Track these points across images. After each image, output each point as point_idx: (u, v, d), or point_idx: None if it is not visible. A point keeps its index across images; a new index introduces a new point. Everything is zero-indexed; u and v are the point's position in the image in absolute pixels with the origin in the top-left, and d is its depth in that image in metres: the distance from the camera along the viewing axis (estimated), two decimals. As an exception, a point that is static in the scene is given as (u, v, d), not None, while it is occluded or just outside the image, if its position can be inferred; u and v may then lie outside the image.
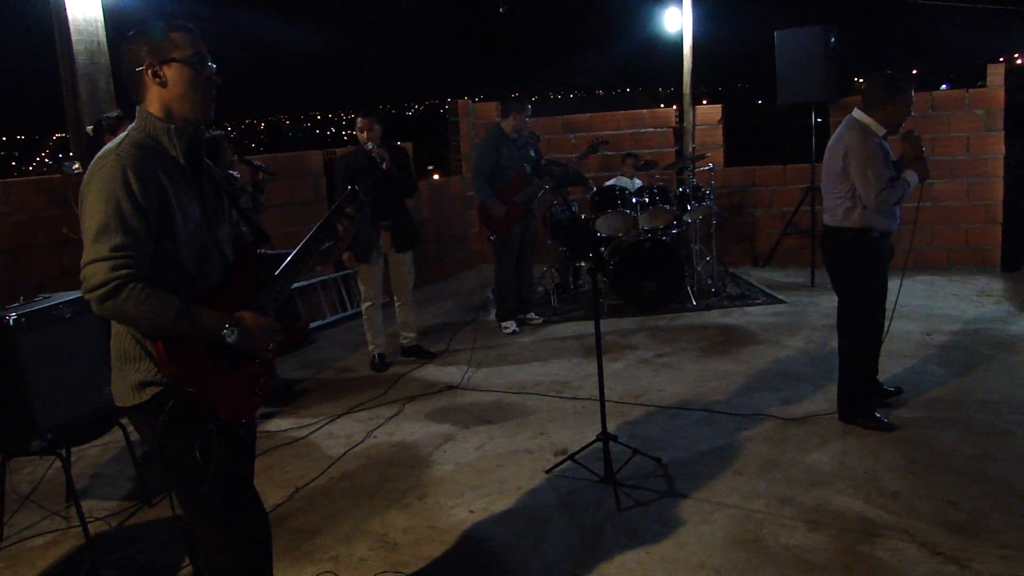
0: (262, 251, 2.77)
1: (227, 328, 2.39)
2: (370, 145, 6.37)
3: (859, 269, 4.79)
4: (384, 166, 6.36)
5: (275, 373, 6.50)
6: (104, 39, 6.28)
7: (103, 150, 2.38)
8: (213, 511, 2.59)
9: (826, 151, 4.86)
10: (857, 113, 4.73)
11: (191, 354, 2.39)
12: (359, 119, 6.47)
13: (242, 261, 2.66)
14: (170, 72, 2.44)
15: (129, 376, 2.46)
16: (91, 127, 5.11)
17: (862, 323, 4.86)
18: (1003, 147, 9.23)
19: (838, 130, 4.80)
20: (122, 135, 2.45)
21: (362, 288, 6.79)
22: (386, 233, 6.63)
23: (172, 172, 2.43)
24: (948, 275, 9.07)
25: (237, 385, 2.53)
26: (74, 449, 4.57)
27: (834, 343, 5.91)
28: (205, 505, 2.58)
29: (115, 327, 2.47)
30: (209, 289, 2.50)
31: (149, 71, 2.44)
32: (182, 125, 2.49)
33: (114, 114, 5.11)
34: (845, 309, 4.93)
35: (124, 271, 2.23)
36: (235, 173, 6.25)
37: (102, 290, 2.23)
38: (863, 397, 4.91)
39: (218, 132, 6.63)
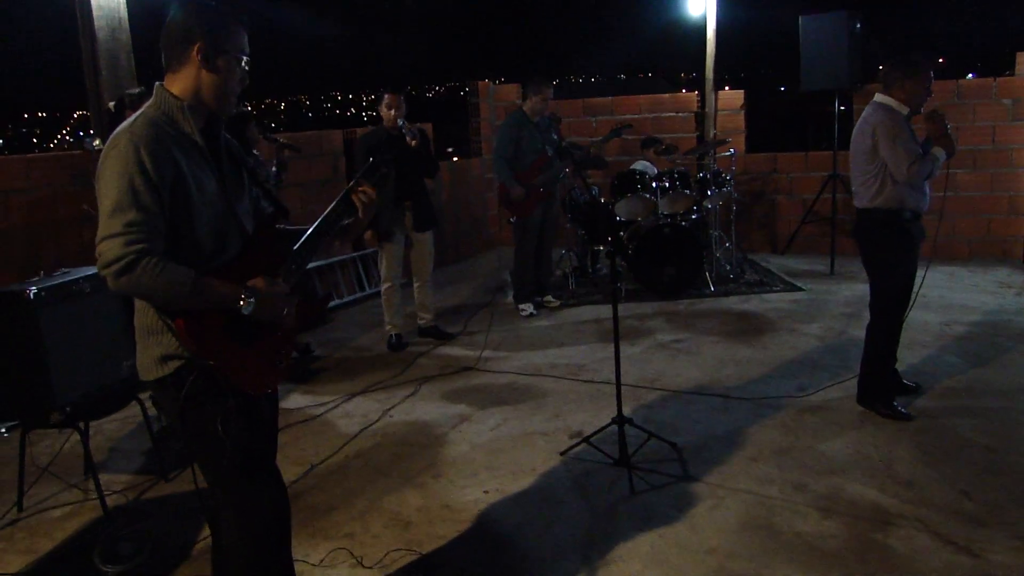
0: (281, 226, 2.77)
1: (243, 299, 2.40)
2: (400, 122, 6.38)
3: (889, 252, 4.78)
4: (413, 142, 6.37)
5: (311, 350, 6.60)
6: (125, 16, 6.30)
7: (117, 129, 2.39)
8: (233, 485, 2.62)
9: (853, 136, 4.85)
10: (879, 96, 4.76)
11: (211, 328, 2.41)
12: (387, 95, 6.45)
13: (261, 236, 2.67)
14: (222, 63, 2.46)
15: (152, 350, 2.48)
16: (113, 103, 5.14)
17: (888, 307, 4.84)
18: (1029, 137, 9.13)
19: (864, 113, 4.80)
20: (137, 113, 2.45)
21: (382, 268, 6.78)
22: (407, 213, 6.64)
23: (187, 148, 2.43)
24: (969, 266, 9.00)
25: (258, 358, 2.55)
26: (92, 423, 4.62)
27: (852, 331, 5.90)
28: (226, 478, 2.61)
29: (138, 302, 2.49)
30: (227, 263, 2.51)
31: (200, 53, 2.44)
32: (200, 107, 2.50)
33: (136, 90, 5.14)
34: (875, 292, 4.91)
35: (138, 246, 2.24)
36: (255, 152, 6.28)
37: (116, 265, 2.24)
38: (883, 383, 4.89)
39: (246, 109, 6.65)
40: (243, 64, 2.52)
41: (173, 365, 2.46)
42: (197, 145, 2.47)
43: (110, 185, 2.28)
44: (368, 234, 6.51)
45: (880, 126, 4.61)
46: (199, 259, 2.42)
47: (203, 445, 2.55)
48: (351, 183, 2.75)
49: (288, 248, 2.66)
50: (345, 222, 2.75)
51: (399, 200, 6.53)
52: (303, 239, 2.67)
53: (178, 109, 2.45)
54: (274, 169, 6.39)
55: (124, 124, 2.40)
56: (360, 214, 2.75)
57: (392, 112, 6.41)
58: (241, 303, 2.40)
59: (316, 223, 2.69)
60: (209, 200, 2.46)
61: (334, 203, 2.71)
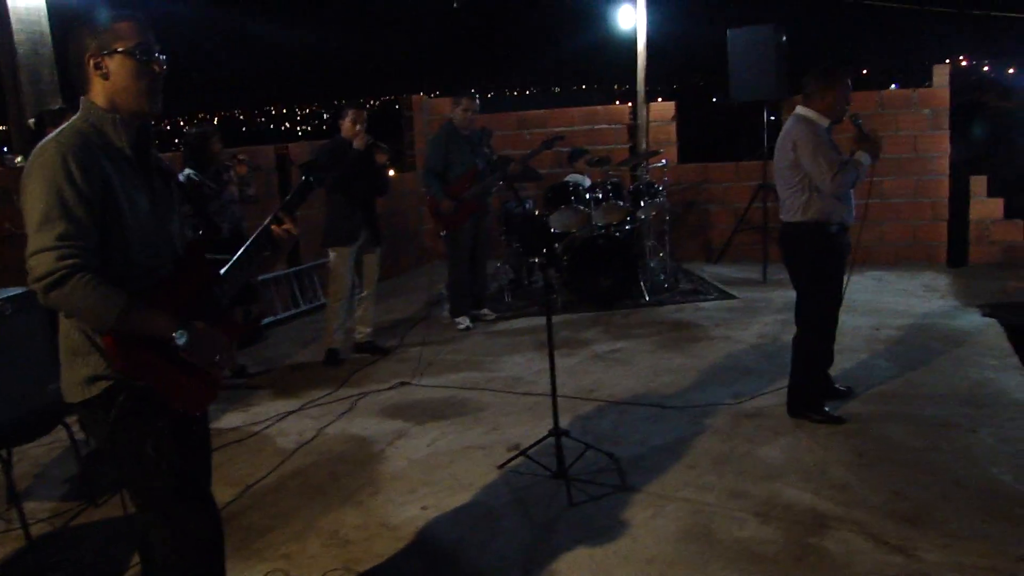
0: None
1: (177, 332, 2.33)
2: (369, 138, 6.45)
3: (818, 264, 4.81)
4: (385, 158, 6.56)
5: (246, 371, 6.47)
6: (47, 29, 6.14)
7: (44, 140, 2.32)
8: (166, 508, 2.54)
9: (776, 149, 4.90)
10: (800, 109, 4.82)
11: (141, 348, 2.34)
12: (352, 111, 6.58)
13: (193, 254, 2.60)
14: (112, 64, 2.38)
15: (78, 371, 2.40)
16: (32, 120, 5.00)
17: (819, 318, 4.90)
18: (948, 145, 9.41)
19: (785, 126, 4.86)
20: (64, 124, 2.39)
21: (334, 280, 6.66)
22: (365, 228, 6.62)
23: (118, 162, 2.38)
24: (896, 271, 9.21)
25: (189, 377, 2.47)
26: (16, 449, 4.46)
27: (785, 337, 5.97)
28: (156, 502, 2.53)
29: (63, 322, 2.41)
30: (160, 282, 2.45)
31: (91, 62, 2.38)
32: (127, 116, 2.43)
33: (56, 107, 5.02)
34: (804, 304, 4.94)
35: (70, 261, 2.18)
36: (229, 164, 6.25)
37: (47, 280, 2.17)
38: (813, 391, 4.95)
39: (208, 125, 6.61)
40: (140, 55, 2.40)
41: (101, 386, 2.38)
42: (128, 158, 2.41)
43: (37, 196, 2.22)
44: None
45: (800, 140, 4.65)
46: (131, 276, 2.36)
47: (133, 468, 2.47)
48: (272, 216, 2.69)
49: (217, 270, 2.60)
50: (266, 255, 2.70)
51: (365, 212, 6.55)
52: (226, 268, 2.61)
53: (108, 121, 2.40)
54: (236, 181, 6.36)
55: (51, 135, 2.34)
56: (280, 250, 2.71)
57: (358, 127, 6.47)
58: (175, 335, 2.32)
59: (237, 255, 2.64)
60: (141, 215, 2.40)
61: (254, 236, 2.66)
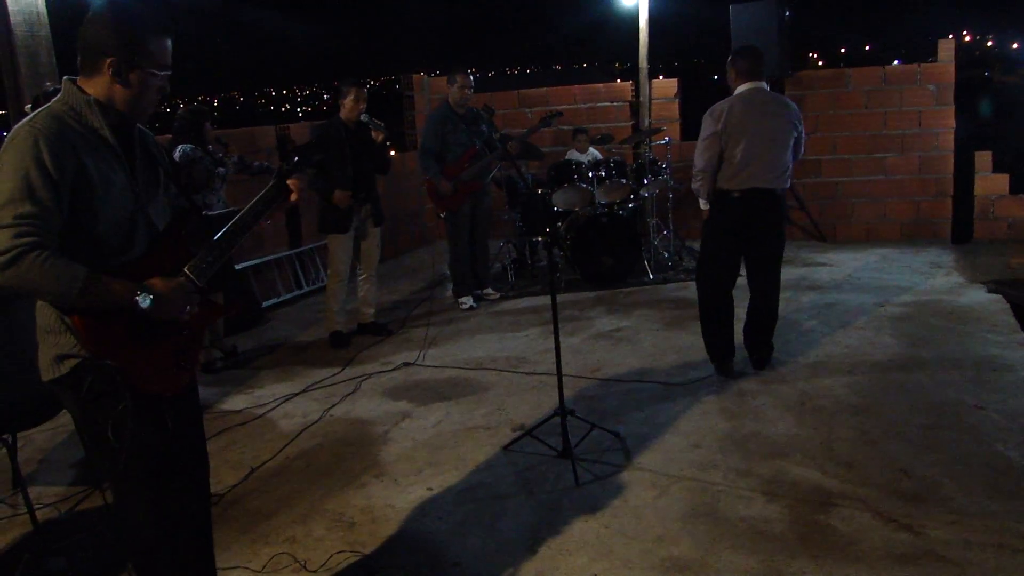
0: (208, 212, 2.69)
1: (139, 295, 2.31)
2: (365, 116, 6.45)
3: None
4: (380, 136, 6.51)
5: (237, 352, 6.46)
6: (44, 9, 6.07)
7: (20, 122, 2.30)
8: (135, 490, 2.53)
9: (771, 124, 5.13)
10: (763, 83, 5.22)
11: (111, 327, 2.32)
12: (355, 89, 6.49)
13: (170, 234, 2.58)
14: (135, 78, 2.39)
15: (50, 349, 2.39)
16: (29, 105, 4.96)
17: None
18: (953, 121, 9.34)
19: (777, 100, 5.19)
20: (43, 107, 2.36)
21: (333, 262, 6.63)
22: (365, 207, 6.58)
23: (94, 144, 2.35)
24: (901, 247, 9.16)
25: (162, 358, 2.47)
26: (20, 433, 4.46)
27: (789, 315, 5.96)
28: (126, 483, 2.51)
29: (39, 300, 2.39)
30: (130, 261, 2.43)
31: (111, 68, 2.36)
32: (112, 108, 2.41)
33: (51, 88, 4.97)
34: (779, 259, 5.41)
35: (27, 239, 2.16)
36: (211, 147, 6.23)
37: (2, 258, 2.14)
38: None
39: (200, 106, 6.59)
40: (159, 75, 2.44)
41: (69, 364, 2.37)
42: (106, 141, 2.39)
43: (5, 177, 2.20)
44: (337, 194, 6.40)
45: (799, 115, 5.13)
46: (101, 256, 2.34)
47: (104, 448, 2.43)
48: (281, 166, 2.69)
49: (202, 242, 2.57)
50: (275, 207, 2.69)
51: (357, 193, 6.47)
52: (225, 230, 2.59)
53: (86, 104, 2.37)
54: (235, 158, 6.48)
55: (27, 118, 2.31)
56: (292, 198, 2.71)
57: (360, 105, 6.45)
58: (137, 298, 2.31)
59: (243, 211, 2.62)
60: (115, 197, 2.38)
61: (265, 190, 2.65)
